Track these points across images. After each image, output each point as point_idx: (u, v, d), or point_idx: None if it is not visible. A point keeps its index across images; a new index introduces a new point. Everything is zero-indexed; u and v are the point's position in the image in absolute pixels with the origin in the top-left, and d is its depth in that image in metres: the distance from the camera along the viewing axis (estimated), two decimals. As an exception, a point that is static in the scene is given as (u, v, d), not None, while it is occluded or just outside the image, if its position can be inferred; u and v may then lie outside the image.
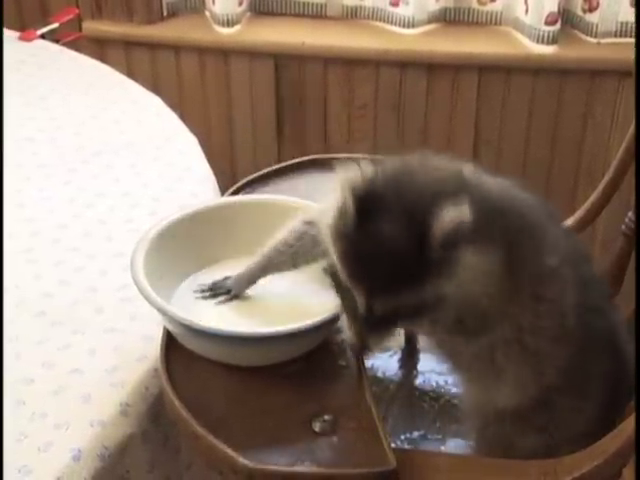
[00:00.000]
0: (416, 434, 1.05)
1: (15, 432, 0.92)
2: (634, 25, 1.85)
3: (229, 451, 0.85)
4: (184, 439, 0.99)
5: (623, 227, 1.25)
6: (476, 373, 0.95)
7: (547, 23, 1.87)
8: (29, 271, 1.16)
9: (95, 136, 1.49)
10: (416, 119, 2.02)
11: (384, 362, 1.11)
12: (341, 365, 0.97)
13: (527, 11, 1.90)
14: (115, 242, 1.22)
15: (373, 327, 0.86)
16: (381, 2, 1.99)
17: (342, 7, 2.04)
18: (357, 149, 2.01)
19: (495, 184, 0.90)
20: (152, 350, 1.01)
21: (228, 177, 1.91)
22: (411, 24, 1.96)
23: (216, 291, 1.03)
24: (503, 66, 1.94)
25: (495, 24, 2.00)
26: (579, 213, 1.32)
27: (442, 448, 1.03)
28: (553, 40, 1.88)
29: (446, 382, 1.10)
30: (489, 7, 1.98)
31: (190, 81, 2.08)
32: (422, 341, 1.11)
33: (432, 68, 1.96)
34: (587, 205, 1.32)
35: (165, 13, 2.08)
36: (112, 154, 1.44)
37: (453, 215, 0.78)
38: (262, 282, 1.05)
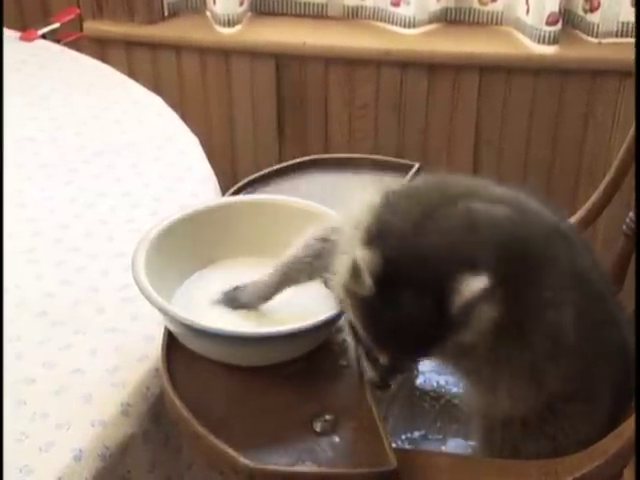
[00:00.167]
0: (417, 434, 1.05)
1: (16, 432, 0.92)
2: (635, 25, 1.85)
3: (230, 451, 0.85)
4: (185, 439, 0.99)
5: (624, 227, 1.25)
6: (475, 385, 0.95)
7: (548, 23, 1.87)
8: (30, 271, 1.16)
9: (96, 136, 1.49)
10: (417, 119, 2.02)
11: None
12: (342, 365, 0.97)
13: (528, 11, 1.90)
14: (116, 242, 1.22)
15: (395, 370, 0.88)
16: (382, 2, 1.99)
17: (343, 7, 2.04)
18: (358, 149, 2.02)
19: (503, 213, 0.88)
20: (153, 350, 1.01)
21: (229, 177, 1.91)
22: (412, 24, 1.96)
23: (229, 305, 1.02)
24: (504, 66, 1.93)
25: (496, 24, 1.99)
26: (580, 213, 1.32)
27: (443, 448, 1.03)
28: (554, 40, 1.88)
29: (447, 382, 1.10)
30: (490, 7, 1.98)
31: (191, 81, 2.08)
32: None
33: (433, 68, 1.96)
34: (588, 205, 1.32)
35: (166, 13, 2.08)
36: (113, 154, 1.44)
37: (473, 287, 0.79)
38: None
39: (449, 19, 2.01)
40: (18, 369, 1.00)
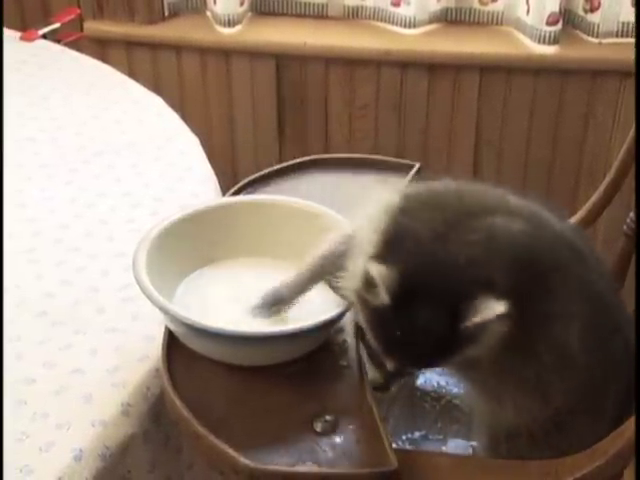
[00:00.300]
0: (417, 434, 1.05)
1: (16, 432, 0.92)
2: (635, 25, 1.85)
3: (230, 451, 0.85)
4: (185, 439, 0.99)
5: (624, 227, 1.25)
6: (481, 394, 0.95)
7: (548, 23, 1.86)
8: (30, 271, 1.16)
9: (96, 136, 1.49)
10: (417, 119, 2.02)
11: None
12: (342, 365, 0.97)
13: (528, 11, 1.89)
14: (116, 242, 1.22)
15: (397, 376, 0.89)
16: (382, 2, 1.99)
17: (343, 7, 2.04)
18: (358, 149, 2.02)
19: (522, 231, 0.88)
20: (153, 350, 1.01)
21: (229, 177, 1.91)
22: (412, 24, 1.96)
23: (272, 306, 0.99)
24: (504, 66, 1.93)
25: (496, 24, 1.99)
26: (580, 213, 1.32)
27: (443, 448, 1.03)
28: (554, 40, 1.88)
29: (447, 382, 1.10)
30: (490, 7, 1.98)
31: (191, 81, 2.08)
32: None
33: (433, 68, 1.96)
34: (588, 205, 1.32)
35: (166, 13, 2.08)
36: (113, 154, 1.44)
37: (492, 311, 0.80)
38: (264, 282, 1.05)
39: (449, 19, 2.01)
40: (18, 369, 1.00)
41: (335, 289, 0.94)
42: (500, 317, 0.81)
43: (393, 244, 0.85)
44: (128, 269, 0.99)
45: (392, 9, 1.98)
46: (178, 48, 2.06)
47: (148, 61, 2.08)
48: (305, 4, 2.06)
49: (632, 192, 1.17)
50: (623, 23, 1.88)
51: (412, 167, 1.28)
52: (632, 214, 1.24)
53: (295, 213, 1.10)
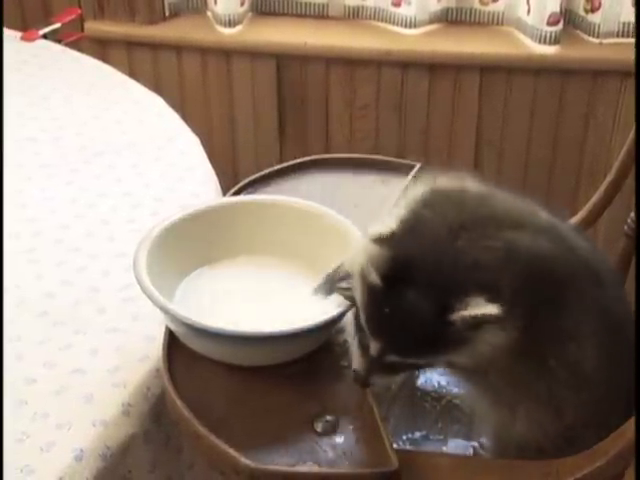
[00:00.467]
0: (418, 434, 1.05)
1: (17, 432, 0.92)
2: (635, 26, 1.85)
3: (231, 451, 0.85)
4: (186, 439, 0.99)
5: (625, 228, 1.25)
6: (492, 405, 0.95)
7: (549, 23, 1.86)
8: (31, 271, 1.16)
9: (97, 136, 1.49)
10: (418, 119, 2.02)
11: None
12: (343, 365, 0.97)
13: (529, 11, 1.90)
14: (117, 242, 1.22)
15: (380, 367, 0.87)
16: (383, 2, 1.99)
17: (344, 7, 2.04)
18: (359, 149, 2.02)
19: (542, 250, 0.87)
20: (154, 350, 1.01)
21: (230, 177, 1.91)
22: (413, 24, 1.96)
23: (331, 288, 0.99)
24: (505, 66, 1.93)
25: (497, 24, 1.99)
26: (581, 214, 1.32)
27: (444, 448, 1.03)
28: (555, 40, 1.88)
29: (448, 382, 1.09)
30: (491, 7, 1.98)
31: (192, 81, 2.08)
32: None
33: (434, 68, 1.96)
34: (589, 206, 1.32)
35: (167, 13, 2.08)
36: (114, 154, 1.44)
37: (481, 310, 0.79)
38: (265, 282, 1.05)
39: (450, 19, 2.01)
40: (19, 369, 1.00)
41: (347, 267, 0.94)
42: (496, 325, 0.80)
43: (402, 229, 0.85)
44: (129, 269, 0.99)
45: (393, 9, 1.98)
46: (179, 48, 2.06)
47: (149, 61, 2.08)
48: (305, 4, 2.06)
49: (633, 192, 1.17)
50: (624, 23, 1.88)
51: (413, 167, 1.28)
52: (633, 214, 1.24)
53: (296, 213, 1.10)
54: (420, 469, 0.89)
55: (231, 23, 2.01)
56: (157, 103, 1.62)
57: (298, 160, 1.31)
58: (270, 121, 2.09)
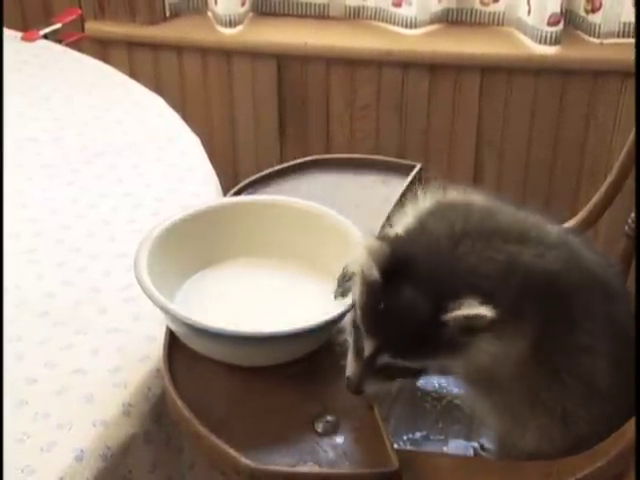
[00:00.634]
0: (418, 435, 1.05)
1: (18, 432, 0.92)
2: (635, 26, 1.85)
3: (231, 451, 0.85)
4: (186, 439, 0.99)
5: (626, 228, 1.25)
6: (501, 416, 0.94)
7: (550, 24, 1.87)
8: (32, 271, 1.16)
9: (98, 136, 1.50)
10: (418, 120, 2.02)
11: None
12: (343, 365, 0.97)
13: (530, 12, 1.90)
14: (118, 242, 1.22)
15: (372, 373, 0.87)
16: (383, 2, 1.99)
17: (344, 7, 2.04)
18: (359, 149, 2.02)
19: (547, 266, 0.87)
20: (155, 350, 1.01)
21: (230, 177, 1.91)
22: (413, 24, 1.96)
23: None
24: (505, 67, 1.94)
25: (497, 25, 2.00)
26: (581, 214, 1.32)
27: (444, 449, 1.03)
28: (556, 41, 1.88)
29: (448, 382, 1.10)
30: (491, 8, 1.98)
31: (192, 81, 2.09)
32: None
33: (434, 69, 1.96)
34: (589, 206, 1.32)
35: (168, 14, 2.08)
36: (115, 154, 1.44)
37: (472, 310, 0.80)
38: (265, 282, 1.05)
39: (450, 20, 2.02)
40: (19, 369, 1.00)
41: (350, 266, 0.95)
42: (491, 332, 0.81)
43: (407, 233, 0.87)
44: (130, 269, 0.99)
45: (393, 9, 1.98)
46: (179, 48, 2.06)
47: (149, 61, 2.08)
48: (306, 4, 2.06)
49: (633, 193, 1.17)
50: (624, 23, 1.88)
51: (413, 167, 1.28)
52: (633, 215, 1.24)
53: (296, 213, 1.10)
54: (420, 469, 0.89)
55: (232, 23, 2.01)
56: (158, 103, 1.62)
57: (298, 160, 1.31)
58: (271, 121, 2.09)
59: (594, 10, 1.89)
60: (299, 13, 2.07)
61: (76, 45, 1.91)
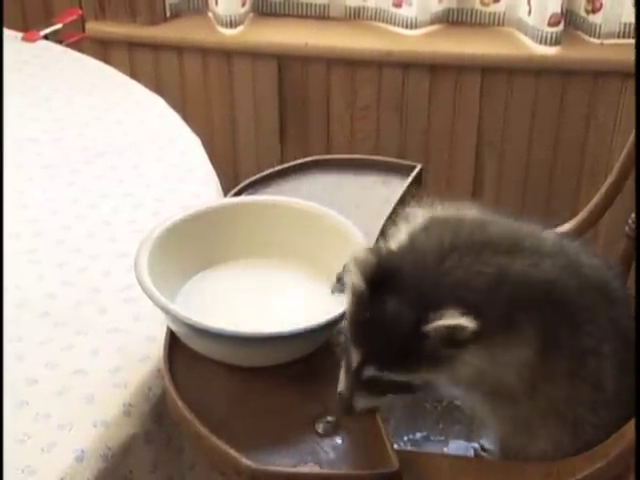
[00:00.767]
0: (419, 435, 1.05)
1: (18, 432, 0.92)
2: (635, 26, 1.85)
3: (232, 452, 0.85)
4: (187, 439, 0.99)
5: (626, 229, 1.25)
6: (507, 424, 0.94)
7: (550, 24, 1.87)
8: (32, 272, 1.16)
9: (98, 137, 1.50)
10: (419, 120, 2.02)
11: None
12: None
13: (530, 12, 1.90)
14: (119, 243, 1.22)
15: (361, 387, 0.87)
16: (384, 3, 1.99)
17: (345, 8, 2.04)
18: (360, 150, 2.02)
19: (525, 268, 0.87)
20: (155, 351, 1.01)
21: (231, 178, 1.91)
22: (414, 25, 1.96)
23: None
24: (506, 67, 1.94)
25: (498, 25, 2.00)
26: (582, 215, 1.32)
27: (445, 449, 1.04)
28: (556, 41, 1.88)
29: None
30: (492, 8, 1.98)
31: (193, 82, 2.09)
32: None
33: (435, 69, 1.96)
34: (590, 207, 1.32)
35: (168, 14, 2.08)
36: (115, 155, 1.44)
37: (452, 320, 0.80)
38: (265, 283, 1.05)
39: (451, 20, 2.01)
40: (20, 370, 1.00)
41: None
42: (475, 346, 0.81)
43: (396, 247, 0.88)
44: (130, 270, 0.99)
45: (394, 10, 1.98)
46: (180, 49, 2.06)
47: (150, 62, 2.08)
48: (307, 5, 2.06)
49: (633, 193, 1.17)
50: (625, 24, 1.88)
51: (413, 168, 1.28)
52: (633, 215, 1.24)
53: (296, 214, 1.10)
54: (421, 470, 0.89)
55: (232, 24, 2.01)
56: (158, 104, 1.62)
57: (299, 161, 1.31)
58: (271, 122, 2.09)
59: (594, 10, 1.89)
60: (299, 13, 2.07)
61: (77, 45, 1.91)
